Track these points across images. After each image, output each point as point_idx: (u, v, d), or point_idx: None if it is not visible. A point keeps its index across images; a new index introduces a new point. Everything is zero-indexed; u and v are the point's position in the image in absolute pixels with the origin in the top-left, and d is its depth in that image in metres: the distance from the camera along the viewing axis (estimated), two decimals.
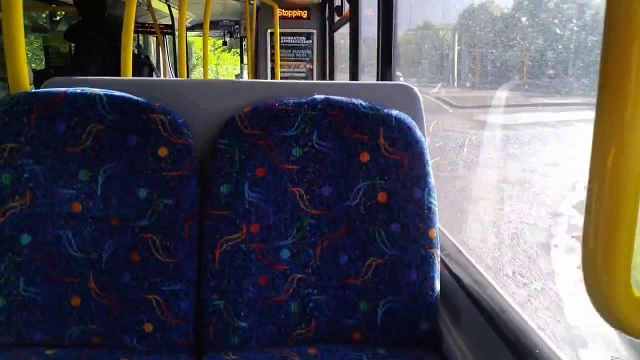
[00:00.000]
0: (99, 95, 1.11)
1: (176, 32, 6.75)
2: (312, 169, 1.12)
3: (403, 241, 1.10)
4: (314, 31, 5.78)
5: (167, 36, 6.99)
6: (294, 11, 5.71)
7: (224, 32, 9.69)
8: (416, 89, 1.24)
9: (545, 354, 0.82)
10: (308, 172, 1.12)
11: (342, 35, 4.99)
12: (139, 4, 4.90)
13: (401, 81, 2.06)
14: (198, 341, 1.12)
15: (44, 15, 5.79)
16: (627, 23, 0.41)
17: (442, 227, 1.27)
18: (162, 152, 1.09)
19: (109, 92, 1.12)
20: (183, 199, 1.09)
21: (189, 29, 8.28)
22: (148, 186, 1.09)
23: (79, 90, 1.12)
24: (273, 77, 5.68)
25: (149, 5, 5.60)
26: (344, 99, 1.14)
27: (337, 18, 4.97)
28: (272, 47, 5.66)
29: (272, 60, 5.71)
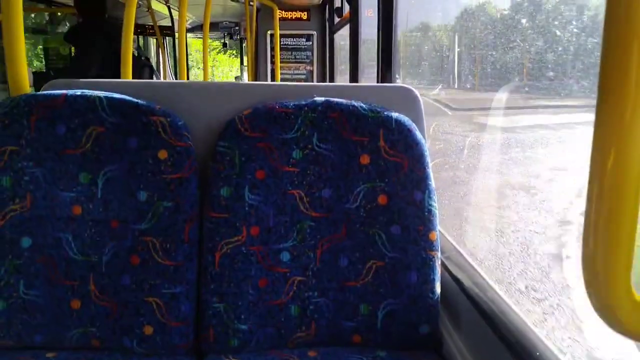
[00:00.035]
0: (99, 97, 1.11)
1: (176, 34, 6.76)
2: (312, 171, 1.12)
3: (403, 243, 1.10)
4: (314, 33, 5.79)
5: (167, 38, 7.00)
6: (294, 13, 5.72)
7: (224, 34, 9.70)
8: (416, 91, 1.24)
9: (546, 357, 0.82)
10: (308, 174, 1.12)
11: (342, 37, 5.00)
12: (138, 6, 4.91)
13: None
14: (198, 343, 1.12)
15: (45, 21, 5.80)
16: (626, 23, 0.41)
17: (442, 230, 1.27)
18: (162, 154, 1.09)
19: (109, 94, 1.12)
20: (183, 202, 1.09)
21: (189, 30, 8.28)
22: (148, 189, 1.08)
23: (79, 92, 1.12)
24: (273, 79, 5.68)
25: (149, 7, 5.60)
26: (344, 101, 1.14)
27: (337, 19, 4.97)
28: (272, 49, 5.67)
29: (272, 62, 5.72)
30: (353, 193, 1.12)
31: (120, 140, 1.10)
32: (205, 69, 4.22)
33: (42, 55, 5.41)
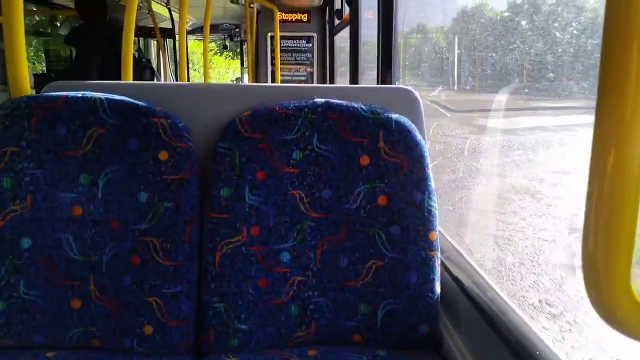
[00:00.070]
0: (100, 99, 1.11)
1: (177, 36, 6.77)
2: (312, 172, 1.13)
3: (403, 244, 1.10)
4: (314, 34, 5.79)
5: (167, 40, 7.01)
6: (294, 15, 5.72)
7: (224, 36, 9.71)
8: (416, 92, 1.24)
9: (546, 356, 0.82)
10: (308, 175, 1.13)
11: (342, 39, 5.00)
12: (139, 8, 4.92)
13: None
14: (198, 343, 1.12)
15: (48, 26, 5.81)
16: (626, 23, 0.41)
17: (442, 230, 1.27)
18: (163, 155, 1.09)
19: (110, 96, 1.13)
20: (183, 202, 1.09)
21: (189, 32, 8.30)
22: (148, 190, 1.09)
23: (79, 94, 1.12)
24: (273, 80, 5.69)
25: (150, 9, 5.61)
26: (344, 102, 1.14)
27: (337, 21, 4.98)
28: (273, 51, 5.67)
29: (273, 64, 5.72)
30: (353, 194, 1.12)
31: (120, 141, 1.10)
32: (205, 71, 4.23)
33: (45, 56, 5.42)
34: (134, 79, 2.29)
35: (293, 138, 1.12)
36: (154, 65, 6.48)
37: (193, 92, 1.26)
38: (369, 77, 3.38)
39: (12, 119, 1.09)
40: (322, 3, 5.45)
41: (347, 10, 4.18)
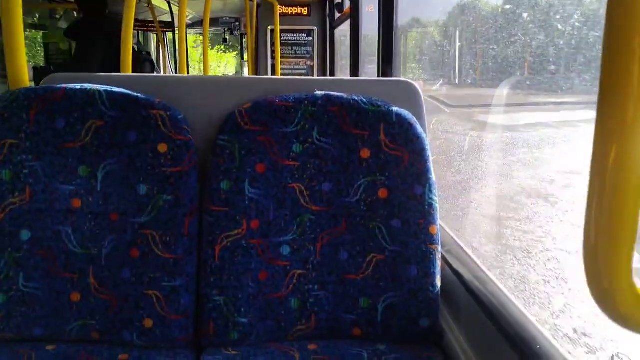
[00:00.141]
0: (99, 91, 1.10)
1: (176, 29, 6.75)
2: (312, 165, 1.12)
3: (404, 237, 1.10)
4: (315, 28, 5.77)
5: (167, 33, 6.99)
6: (294, 8, 5.70)
7: (224, 29, 9.67)
8: (417, 85, 1.24)
9: (546, 349, 0.82)
10: (308, 168, 1.12)
11: (342, 32, 4.98)
12: (139, 1, 4.90)
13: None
14: (198, 337, 1.12)
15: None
16: (628, 20, 0.41)
17: (442, 224, 1.27)
18: (162, 148, 1.09)
19: (109, 88, 1.12)
20: (183, 195, 1.09)
21: (189, 26, 8.27)
22: (148, 182, 1.08)
23: (78, 86, 1.11)
24: (274, 74, 5.67)
25: (149, 3, 5.59)
26: (344, 95, 1.13)
27: (337, 15, 4.95)
28: (273, 44, 5.65)
29: (273, 58, 5.70)
30: (353, 187, 1.12)
31: (119, 133, 1.10)
32: (205, 63, 4.22)
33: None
34: (134, 72, 2.28)
35: (293, 131, 1.11)
36: (154, 58, 6.47)
37: (193, 84, 1.26)
38: (369, 71, 3.36)
39: (11, 111, 1.08)
40: None
41: (347, 3, 4.16)
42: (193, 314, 1.11)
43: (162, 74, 6.63)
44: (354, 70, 3.09)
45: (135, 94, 1.12)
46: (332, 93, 1.14)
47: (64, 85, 1.11)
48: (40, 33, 5.59)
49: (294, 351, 1.09)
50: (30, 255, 1.08)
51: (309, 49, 5.84)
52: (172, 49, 7.35)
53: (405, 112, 1.12)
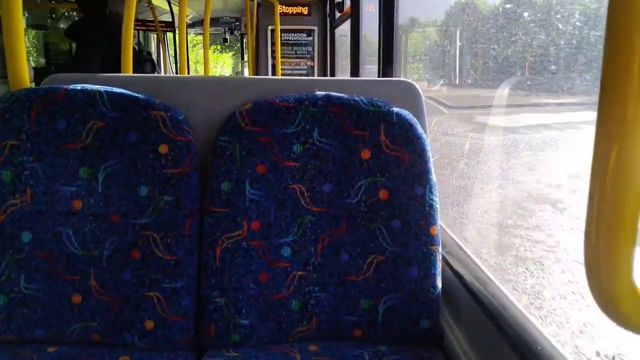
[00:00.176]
0: (99, 92, 1.10)
1: (176, 29, 6.75)
2: (312, 165, 1.12)
3: (404, 238, 1.10)
4: (315, 28, 5.77)
5: (167, 33, 6.99)
6: (294, 8, 5.70)
7: (225, 29, 9.67)
8: (417, 86, 1.23)
9: (546, 350, 0.82)
10: (309, 169, 1.12)
11: (343, 32, 4.97)
12: (139, 1, 4.90)
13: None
14: (199, 338, 1.12)
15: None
16: (629, 19, 0.41)
17: (443, 224, 1.27)
18: (163, 149, 1.09)
19: (109, 88, 1.12)
20: (184, 196, 1.09)
21: (189, 25, 8.27)
22: (148, 183, 1.08)
23: (79, 87, 1.11)
24: (274, 74, 5.67)
25: (149, 2, 5.59)
26: (344, 95, 1.13)
27: (338, 14, 4.95)
28: (273, 44, 5.65)
29: (273, 57, 5.70)
30: (354, 188, 1.12)
31: (120, 134, 1.10)
32: (206, 64, 4.22)
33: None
34: (135, 72, 2.28)
35: (294, 131, 1.11)
36: (154, 58, 6.47)
37: (193, 85, 1.26)
38: (369, 72, 3.35)
39: (12, 111, 1.08)
40: None
41: (348, 3, 4.16)
42: (194, 316, 1.11)
43: (162, 74, 6.63)
44: (354, 70, 3.09)
45: (136, 95, 1.12)
46: (333, 93, 1.13)
47: (64, 86, 1.11)
48: (41, 33, 5.60)
49: (294, 352, 1.09)
50: (31, 256, 1.08)
51: (310, 48, 5.84)
52: (173, 49, 7.36)
53: (405, 113, 1.12)
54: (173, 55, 7.26)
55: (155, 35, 7.23)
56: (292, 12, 5.71)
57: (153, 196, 1.08)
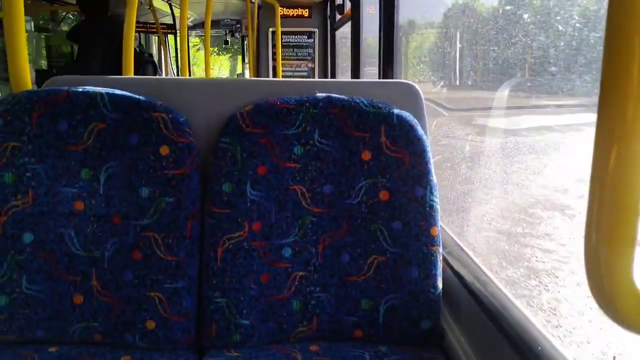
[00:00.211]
0: (101, 94, 1.11)
1: (178, 31, 6.76)
2: (313, 167, 1.12)
3: (405, 239, 1.10)
4: (316, 30, 5.78)
5: (168, 35, 7.00)
6: (295, 10, 5.71)
7: (225, 31, 9.69)
8: (418, 87, 1.24)
9: (547, 351, 0.82)
10: (309, 170, 1.12)
11: (343, 34, 4.98)
12: (140, 3, 4.91)
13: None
14: (200, 339, 1.12)
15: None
16: (629, 20, 0.41)
17: (443, 225, 1.27)
18: (164, 150, 1.09)
19: (111, 90, 1.12)
20: (185, 198, 1.09)
21: (190, 28, 8.28)
22: (150, 184, 1.09)
23: (80, 89, 1.12)
24: (275, 76, 5.68)
25: (151, 5, 5.61)
26: (345, 97, 1.13)
27: (338, 17, 4.96)
28: (274, 46, 5.66)
29: (274, 59, 5.71)
30: (354, 189, 1.12)
31: (121, 136, 1.10)
32: (207, 66, 4.23)
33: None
34: (136, 74, 2.28)
35: (294, 133, 1.12)
36: (155, 60, 6.48)
37: (194, 86, 1.26)
38: (370, 73, 3.35)
39: (13, 113, 1.09)
40: None
41: (348, 5, 4.17)
42: (195, 316, 1.11)
43: (163, 76, 6.64)
44: (355, 72, 3.10)
45: (137, 97, 1.12)
46: (333, 95, 1.14)
47: (66, 88, 1.12)
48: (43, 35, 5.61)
49: (295, 353, 1.09)
50: (33, 257, 1.09)
51: (310, 50, 5.85)
52: (174, 51, 7.37)
53: (406, 114, 1.13)
54: (174, 57, 7.27)
55: (157, 37, 7.25)
56: (293, 15, 5.72)
57: (154, 197, 1.08)
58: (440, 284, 1.12)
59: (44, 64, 5.51)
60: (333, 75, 5.52)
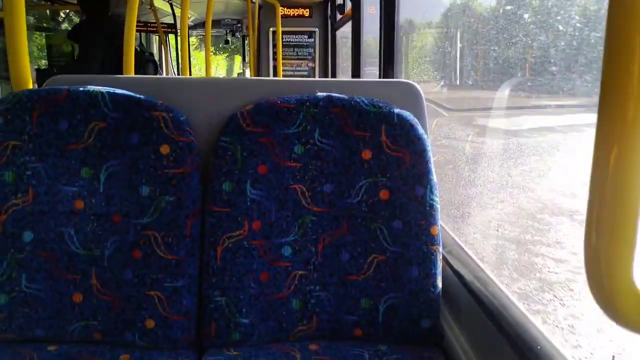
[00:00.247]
0: (101, 93, 1.11)
1: (178, 31, 6.76)
2: (313, 166, 1.12)
3: (405, 238, 1.10)
4: (316, 29, 5.77)
5: (169, 35, 7.01)
6: (296, 10, 5.71)
7: (226, 31, 9.69)
8: (418, 86, 1.24)
9: (546, 350, 0.82)
10: (310, 169, 1.12)
11: (344, 34, 4.98)
12: (141, 3, 4.91)
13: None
14: (199, 338, 1.12)
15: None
16: (629, 21, 0.41)
17: (443, 224, 1.27)
18: (164, 149, 1.09)
19: (111, 89, 1.12)
20: (185, 196, 1.09)
21: (191, 27, 8.28)
22: (150, 183, 1.09)
23: (81, 88, 1.12)
24: (275, 75, 5.68)
25: (152, 4, 5.61)
26: (345, 96, 1.14)
27: (339, 16, 4.96)
28: (275, 46, 5.66)
29: (275, 59, 5.71)
30: (355, 188, 1.12)
31: (122, 135, 1.10)
32: (207, 65, 4.23)
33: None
34: (137, 73, 2.28)
35: (295, 132, 1.12)
36: (156, 60, 6.47)
37: (195, 86, 1.26)
38: (370, 74, 3.35)
39: (14, 112, 1.09)
40: None
41: (349, 5, 4.17)
42: (195, 315, 1.11)
43: (164, 75, 6.65)
44: (355, 71, 3.09)
45: (138, 96, 1.12)
46: (334, 94, 1.14)
47: (66, 87, 1.12)
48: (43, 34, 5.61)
49: (295, 352, 1.09)
50: (33, 256, 1.09)
51: (311, 50, 5.85)
52: (174, 51, 7.38)
53: (406, 113, 1.13)
54: (175, 57, 7.27)
55: (157, 37, 7.25)
56: (294, 14, 5.72)
57: (154, 196, 1.09)
58: (440, 283, 1.12)
59: (43, 63, 5.51)
60: (333, 75, 5.52)
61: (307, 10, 5.74)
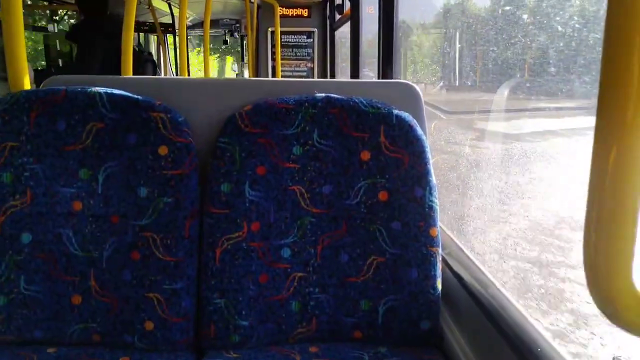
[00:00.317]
0: (99, 93, 1.11)
1: (177, 31, 6.76)
2: (312, 167, 1.12)
3: (404, 240, 1.10)
4: (315, 30, 5.77)
5: (167, 35, 7.00)
6: (294, 10, 5.70)
7: (225, 31, 9.68)
8: (417, 87, 1.24)
9: (546, 352, 0.82)
10: (308, 170, 1.12)
11: (342, 34, 4.97)
12: (139, 3, 4.91)
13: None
14: (198, 339, 1.12)
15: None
16: (628, 21, 0.41)
17: (443, 226, 1.27)
18: (163, 150, 1.09)
19: (109, 90, 1.12)
20: (183, 198, 1.09)
21: (189, 27, 8.27)
22: (148, 185, 1.08)
23: (79, 88, 1.12)
24: (274, 76, 5.67)
25: (150, 4, 5.60)
26: (344, 97, 1.13)
27: (338, 17, 4.96)
28: (273, 46, 5.65)
29: (273, 59, 5.71)
30: (353, 189, 1.12)
31: (120, 136, 1.10)
32: (205, 66, 4.23)
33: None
34: (136, 73, 2.28)
35: (293, 133, 1.11)
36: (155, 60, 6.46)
37: (193, 86, 1.26)
38: (368, 74, 3.34)
39: (12, 113, 1.08)
40: None
41: (347, 5, 4.17)
42: (194, 317, 1.11)
43: (162, 75, 6.64)
44: (354, 72, 3.09)
45: (136, 96, 1.12)
46: (332, 95, 1.14)
47: (64, 87, 1.11)
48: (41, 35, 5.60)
49: (294, 354, 1.09)
50: (31, 258, 1.08)
51: (309, 50, 5.84)
52: (173, 51, 7.37)
53: (405, 114, 1.12)
54: (173, 57, 7.26)
55: (156, 37, 7.24)
56: (292, 14, 5.71)
57: (153, 197, 1.08)
58: (439, 285, 1.12)
59: (42, 64, 5.51)
60: (332, 75, 5.52)
61: (306, 10, 5.73)
